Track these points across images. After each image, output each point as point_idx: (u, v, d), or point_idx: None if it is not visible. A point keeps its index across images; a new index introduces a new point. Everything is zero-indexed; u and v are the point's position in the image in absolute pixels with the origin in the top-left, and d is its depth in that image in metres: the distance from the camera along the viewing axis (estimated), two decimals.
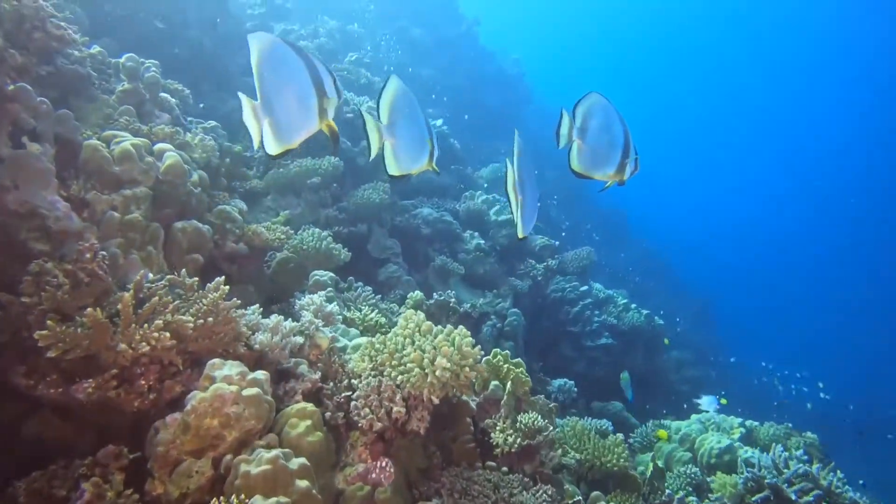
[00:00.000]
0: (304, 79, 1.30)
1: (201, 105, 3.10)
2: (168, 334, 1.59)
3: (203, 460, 1.57)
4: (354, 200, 3.89)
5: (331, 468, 1.82)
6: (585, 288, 5.96)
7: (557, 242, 5.75)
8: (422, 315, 2.00)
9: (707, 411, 4.66)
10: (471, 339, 1.91)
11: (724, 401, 5.19)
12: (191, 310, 1.77)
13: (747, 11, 27.34)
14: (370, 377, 1.87)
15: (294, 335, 2.03)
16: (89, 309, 1.51)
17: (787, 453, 2.92)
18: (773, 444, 3.20)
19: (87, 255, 1.75)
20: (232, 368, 1.69)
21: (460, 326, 1.96)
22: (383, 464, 1.84)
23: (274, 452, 1.53)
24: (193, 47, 5.05)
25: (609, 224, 11.05)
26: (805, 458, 2.93)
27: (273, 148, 1.32)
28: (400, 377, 1.81)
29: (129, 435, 1.64)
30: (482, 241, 4.83)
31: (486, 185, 6.06)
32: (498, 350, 2.60)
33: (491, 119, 9.35)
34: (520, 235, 1.67)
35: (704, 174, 29.76)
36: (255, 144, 1.31)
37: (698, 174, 29.47)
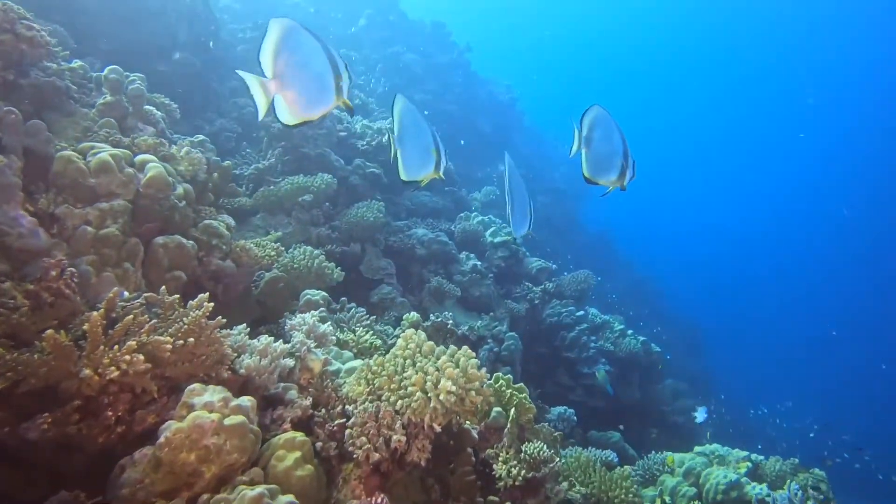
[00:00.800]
0: (322, 59, 1.44)
1: (176, 108, 2.96)
2: (142, 357, 1.42)
3: (176, 501, 1.39)
4: (347, 219, 3.76)
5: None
6: (581, 313, 5.83)
7: (555, 265, 5.64)
8: (423, 335, 1.85)
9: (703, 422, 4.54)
10: (476, 360, 1.76)
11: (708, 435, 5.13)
12: (169, 330, 1.61)
13: (729, 41, 28.15)
14: (367, 403, 1.71)
15: (284, 358, 1.86)
16: (49, 331, 1.34)
17: (801, 492, 2.78)
18: (788, 481, 3.06)
19: (53, 273, 1.59)
20: (214, 394, 1.52)
21: (464, 347, 1.81)
22: (379, 500, 1.66)
23: (258, 490, 1.36)
24: (182, 68, 4.97)
25: (597, 250, 11.00)
26: (822, 497, 2.78)
27: (289, 119, 1.46)
28: (400, 402, 1.65)
29: (88, 477, 1.45)
30: (478, 263, 4.70)
31: (478, 206, 5.98)
32: (500, 374, 2.45)
33: (483, 144, 9.36)
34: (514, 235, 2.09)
35: (689, 195, 30.09)
36: (261, 116, 1.47)
37: (683, 196, 29.79)
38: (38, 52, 2.09)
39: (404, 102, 1.74)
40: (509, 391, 2.38)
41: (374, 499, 1.68)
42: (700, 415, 4.46)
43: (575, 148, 1.84)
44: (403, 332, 1.89)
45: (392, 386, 1.69)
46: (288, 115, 1.45)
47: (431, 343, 1.83)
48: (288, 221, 3.46)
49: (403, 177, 1.76)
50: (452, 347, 1.81)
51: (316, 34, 1.45)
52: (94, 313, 1.42)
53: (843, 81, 26.74)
